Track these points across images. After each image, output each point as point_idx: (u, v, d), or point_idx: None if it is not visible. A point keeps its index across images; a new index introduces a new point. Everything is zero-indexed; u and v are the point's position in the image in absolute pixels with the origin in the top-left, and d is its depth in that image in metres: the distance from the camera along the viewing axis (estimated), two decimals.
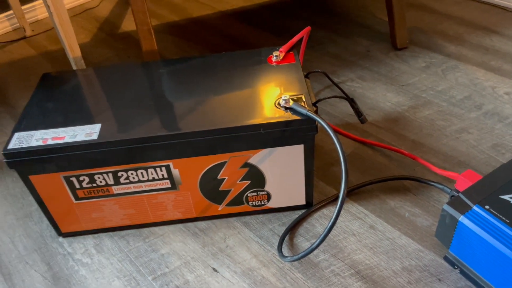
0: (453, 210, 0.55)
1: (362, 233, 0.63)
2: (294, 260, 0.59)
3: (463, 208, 0.55)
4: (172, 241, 0.65)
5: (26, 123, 0.60)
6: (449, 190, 0.64)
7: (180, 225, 0.67)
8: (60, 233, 0.67)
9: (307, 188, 0.65)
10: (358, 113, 0.70)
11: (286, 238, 0.64)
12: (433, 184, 0.67)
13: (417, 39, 1.05)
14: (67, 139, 0.57)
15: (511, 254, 0.49)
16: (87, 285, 0.61)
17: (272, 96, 0.61)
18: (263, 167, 0.62)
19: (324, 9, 1.23)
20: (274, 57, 0.68)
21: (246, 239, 0.65)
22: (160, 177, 0.61)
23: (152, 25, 1.22)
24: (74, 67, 0.89)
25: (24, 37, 1.28)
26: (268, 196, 0.65)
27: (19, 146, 0.56)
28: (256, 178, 0.63)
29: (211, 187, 0.63)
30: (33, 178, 0.59)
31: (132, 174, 0.60)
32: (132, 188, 0.62)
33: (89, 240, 0.67)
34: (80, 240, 0.67)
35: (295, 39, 0.71)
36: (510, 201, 0.54)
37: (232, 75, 0.66)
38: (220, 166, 0.61)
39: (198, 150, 0.59)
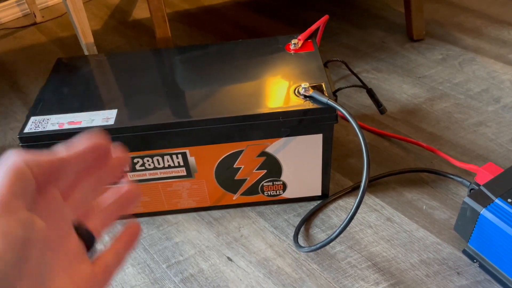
0: (474, 203, 0.54)
1: (379, 225, 0.63)
2: (311, 251, 0.58)
3: (484, 201, 0.54)
4: (186, 229, 0.65)
5: (42, 108, 0.59)
6: (468, 183, 0.63)
7: (194, 214, 0.67)
8: None
9: (323, 179, 0.64)
10: (378, 103, 0.68)
11: (302, 228, 0.64)
12: (452, 177, 0.66)
13: (434, 31, 1.03)
14: (84, 124, 0.56)
15: None
16: None
17: (291, 84, 0.60)
18: (280, 157, 0.61)
19: None
20: (292, 45, 0.67)
21: (261, 229, 0.64)
22: (176, 164, 0.60)
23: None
24: (87, 53, 0.88)
25: (34, 23, 1.27)
26: (284, 186, 0.65)
27: (35, 130, 0.56)
28: (272, 167, 0.62)
29: (226, 176, 0.62)
30: None
31: (148, 161, 0.59)
32: (147, 175, 0.61)
33: None
34: None
35: (313, 27, 0.70)
36: None
37: (249, 63, 0.65)
38: (237, 154, 0.60)
39: (215, 138, 0.58)
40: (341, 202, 0.67)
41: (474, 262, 0.57)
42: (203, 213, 0.67)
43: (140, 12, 1.27)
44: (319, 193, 0.66)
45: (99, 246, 0.25)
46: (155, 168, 0.60)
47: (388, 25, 1.08)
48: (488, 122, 0.77)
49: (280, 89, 0.59)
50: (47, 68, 0.69)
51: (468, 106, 0.81)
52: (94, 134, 0.24)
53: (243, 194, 0.65)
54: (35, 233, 0.20)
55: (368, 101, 0.80)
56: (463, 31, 1.02)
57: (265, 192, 0.65)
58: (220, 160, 0.60)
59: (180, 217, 0.67)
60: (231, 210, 0.67)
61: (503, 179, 0.56)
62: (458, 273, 0.56)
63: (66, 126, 0.56)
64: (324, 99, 0.55)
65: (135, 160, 0.59)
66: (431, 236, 0.60)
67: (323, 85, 0.59)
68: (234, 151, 0.59)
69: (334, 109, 0.56)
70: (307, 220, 0.65)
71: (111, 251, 0.26)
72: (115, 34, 1.18)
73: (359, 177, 0.70)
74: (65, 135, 0.55)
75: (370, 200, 0.66)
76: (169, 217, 0.67)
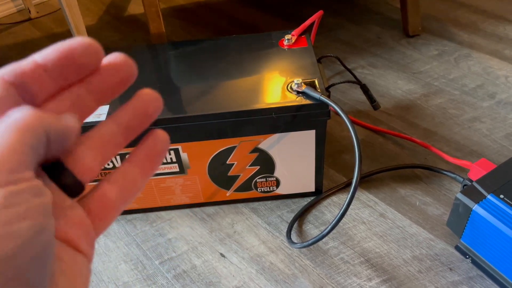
0: (466, 199, 0.54)
1: (372, 221, 0.63)
2: (303, 247, 0.58)
3: (477, 197, 0.54)
4: (180, 225, 0.65)
5: None
6: (461, 179, 0.63)
7: (187, 210, 0.67)
8: None
9: (317, 175, 0.64)
10: (371, 99, 0.68)
11: (295, 225, 0.63)
12: (445, 173, 0.66)
13: (430, 26, 1.03)
14: None
15: None
16: (93, 268, 0.60)
17: (284, 80, 0.60)
18: (273, 153, 0.61)
19: None
20: (286, 41, 0.66)
21: (254, 225, 0.64)
22: (168, 160, 0.60)
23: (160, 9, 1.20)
24: None
25: (29, 19, 1.27)
26: (277, 182, 0.65)
27: None
28: (265, 163, 0.62)
29: (219, 172, 0.62)
30: None
31: None
32: None
33: None
34: None
35: (307, 22, 0.69)
36: None
37: (243, 58, 0.65)
38: (230, 150, 0.60)
39: (208, 134, 0.58)
40: (334, 198, 0.67)
41: (467, 258, 0.57)
42: (196, 209, 0.67)
43: (135, 7, 1.27)
44: (313, 189, 0.66)
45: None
46: None
47: (384, 21, 1.07)
48: (482, 118, 0.77)
49: (273, 85, 0.59)
50: None
51: (463, 102, 0.81)
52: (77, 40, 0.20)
53: (236, 190, 0.65)
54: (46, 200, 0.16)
55: (363, 97, 0.80)
56: (459, 27, 1.02)
57: (258, 189, 0.65)
58: (213, 156, 0.60)
59: (173, 213, 0.67)
60: (224, 207, 0.67)
61: (496, 175, 0.56)
62: (450, 269, 0.56)
63: None
64: (316, 95, 0.55)
65: (127, 156, 0.59)
66: (424, 232, 0.60)
67: (316, 81, 0.59)
68: (227, 147, 0.59)
69: (326, 105, 0.56)
70: (300, 216, 0.65)
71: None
72: (110, 29, 1.18)
73: (352, 173, 0.70)
74: None
75: (364, 196, 0.66)
76: (163, 213, 0.67)
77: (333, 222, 0.52)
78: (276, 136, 0.59)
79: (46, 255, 0.16)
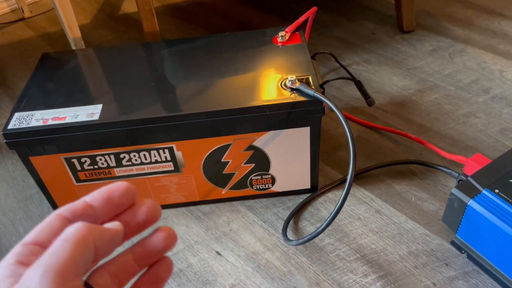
0: (461, 194, 0.54)
1: (368, 217, 0.63)
2: (299, 244, 0.58)
3: (472, 192, 0.54)
4: (175, 224, 0.64)
5: (26, 103, 0.59)
6: (456, 175, 0.63)
7: (183, 209, 0.67)
8: None
9: (312, 172, 0.64)
10: (366, 95, 0.68)
11: (291, 222, 0.63)
12: (440, 168, 0.66)
13: (424, 22, 1.03)
14: (68, 120, 0.55)
15: None
16: None
17: (278, 77, 0.59)
18: (268, 150, 0.60)
19: None
20: (280, 38, 0.66)
21: (250, 223, 0.64)
22: (163, 159, 0.60)
23: (154, 7, 1.20)
24: (74, 48, 0.87)
25: (23, 18, 1.26)
26: (273, 180, 0.64)
27: (19, 126, 0.55)
28: (260, 161, 0.62)
29: (214, 170, 0.62)
30: (34, 160, 0.58)
31: (134, 156, 0.59)
32: (134, 170, 0.61)
33: None
34: None
35: (301, 19, 0.69)
36: None
37: (236, 56, 0.65)
38: (224, 148, 0.59)
39: (202, 132, 0.57)
40: (330, 195, 0.67)
41: (462, 253, 0.57)
42: (192, 207, 0.67)
43: (130, 6, 1.26)
44: (308, 186, 0.66)
45: None
46: (142, 163, 0.60)
47: (379, 17, 1.07)
48: (477, 113, 0.77)
49: (267, 82, 0.59)
50: (35, 63, 0.69)
51: (458, 97, 0.81)
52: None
53: (232, 188, 0.65)
54: None
55: (358, 93, 0.79)
56: (453, 22, 1.02)
57: (254, 186, 0.65)
58: (208, 155, 0.60)
59: (169, 212, 0.66)
60: (220, 205, 0.67)
61: (491, 170, 0.56)
62: (446, 264, 0.56)
63: (50, 122, 0.55)
64: (310, 92, 0.55)
65: (122, 156, 0.59)
66: (420, 227, 0.60)
67: (310, 78, 0.58)
68: (222, 145, 0.59)
69: (320, 102, 0.55)
70: (296, 213, 0.65)
71: None
72: (104, 28, 1.17)
73: (347, 170, 0.69)
74: (49, 130, 0.55)
75: (359, 192, 0.66)
76: None
77: (328, 219, 0.52)
78: (270, 133, 0.59)
79: None
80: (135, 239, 0.27)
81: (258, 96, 0.57)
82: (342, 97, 0.84)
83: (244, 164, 0.62)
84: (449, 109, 0.78)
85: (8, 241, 0.65)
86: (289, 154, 0.61)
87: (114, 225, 0.24)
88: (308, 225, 0.63)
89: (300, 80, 0.57)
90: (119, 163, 0.59)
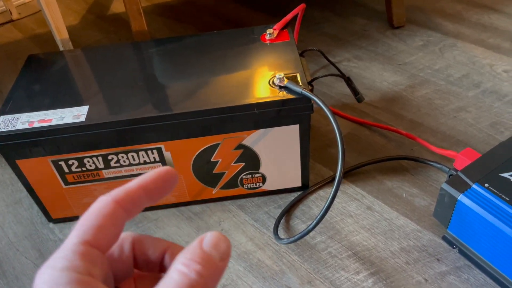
0: (452, 189, 0.54)
1: (360, 214, 0.62)
2: (290, 242, 0.57)
3: (462, 187, 0.53)
4: (166, 225, 0.64)
5: (12, 106, 0.58)
6: (447, 169, 0.63)
7: (173, 209, 0.66)
8: (51, 219, 0.66)
9: (303, 170, 0.64)
10: (355, 91, 0.68)
11: (282, 220, 0.63)
12: (431, 163, 0.66)
13: (415, 17, 1.02)
14: (54, 122, 0.55)
15: (509, 232, 0.48)
16: None
17: (266, 75, 0.59)
18: (258, 149, 0.60)
19: None
20: (268, 35, 0.66)
21: (241, 222, 0.63)
22: (152, 160, 0.59)
23: (142, 6, 1.19)
24: (62, 49, 0.86)
25: (11, 21, 1.25)
26: (263, 179, 0.64)
27: (4, 130, 0.54)
28: (250, 160, 0.61)
29: (204, 170, 0.62)
30: (21, 163, 0.57)
31: (122, 157, 0.58)
32: (123, 172, 0.60)
33: None
34: (71, 225, 0.65)
35: (289, 16, 0.68)
36: (510, 179, 0.53)
37: (224, 54, 0.64)
38: (214, 148, 0.59)
39: (190, 131, 0.57)
40: (321, 192, 0.66)
41: (454, 248, 0.57)
42: (183, 208, 0.66)
43: (119, 5, 1.25)
44: (299, 184, 0.66)
45: None
46: (130, 164, 0.59)
47: (369, 13, 1.07)
48: (468, 107, 0.77)
49: (255, 80, 0.58)
50: None
51: (448, 92, 0.81)
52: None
53: (222, 187, 0.64)
54: None
55: (349, 90, 0.79)
56: (444, 17, 1.01)
57: (244, 185, 0.65)
58: (197, 154, 0.59)
59: (159, 213, 0.66)
60: (211, 204, 0.66)
61: (481, 164, 0.56)
62: (438, 260, 0.56)
63: (36, 125, 0.55)
64: (298, 89, 0.55)
65: (109, 157, 0.58)
66: (411, 223, 0.60)
67: (298, 75, 0.58)
68: (211, 144, 0.59)
69: (309, 99, 0.55)
70: (287, 212, 0.64)
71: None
72: (94, 28, 1.16)
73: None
74: (35, 133, 0.54)
75: (351, 189, 0.66)
76: (149, 213, 0.66)
77: (318, 217, 0.52)
78: (260, 132, 0.58)
79: None
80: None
81: (246, 95, 0.56)
82: (333, 93, 0.84)
83: (234, 163, 0.61)
84: (440, 104, 0.78)
85: None
86: (279, 152, 0.61)
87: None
88: (299, 223, 0.62)
89: (288, 78, 0.57)
90: (107, 165, 0.59)
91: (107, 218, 0.21)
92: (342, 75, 0.66)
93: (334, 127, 0.52)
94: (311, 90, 0.59)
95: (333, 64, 0.71)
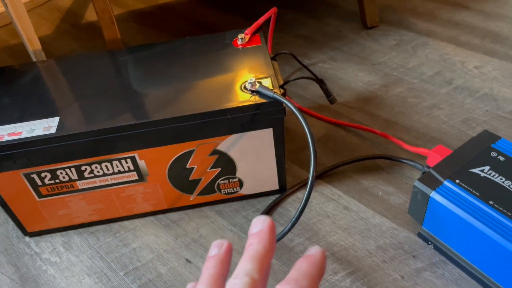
0: (424, 186, 0.54)
1: (337, 214, 0.63)
2: None
3: (434, 184, 0.54)
4: (144, 234, 0.64)
5: None
6: (421, 167, 0.64)
7: (151, 218, 0.66)
8: (26, 233, 0.65)
9: (279, 173, 0.64)
10: (327, 93, 0.68)
11: None
12: (405, 161, 0.67)
13: (388, 17, 1.04)
14: (25, 134, 0.54)
15: (481, 227, 0.49)
16: (56, 284, 0.59)
17: (238, 80, 0.59)
18: (233, 154, 0.60)
19: None
20: (240, 40, 0.66)
21: (219, 227, 0.63)
22: (126, 169, 0.59)
23: (117, 14, 1.19)
24: (35, 60, 0.85)
25: None
26: (240, 183, 0.64)
27: None
28: (226, 165, 0.61)
29: (180, 177, 0.61)
30: None
31: (96, 167, 0.58)
32: (97, 182, 0.59)
33: (57, 238, 0.65)
34: (47, 239, 0.65)
35: (260, 20, 0.69)
36: (480, 174, 0.54)
37: (196, 61, 0.64)
38: (188, 154, 0.59)
39: (164, 139, 0.57)
40: (299, 194, 0.67)
41: (429, 244, 0.58)
42: (160, 216, 0.66)
43: (93, 14, 1.24)
44: (277, 187, 0.66)
45: None
46: (104, 174, 0.59)
47: (344, 14, 1.08)
48: (440, 104, 0.78)
49: (227, 86, 0.59)
50: None
51: (421, 90, 0.82)
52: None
53: (199, 194, 0.64)
54: None
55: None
56: (416, 15, 1.03)
57: (222, 190, 0.65)
58: (172, 162, 0.59)
59: (137, 222, 0.65)
60: (189, 211, 0.66)
61: (452, 160, 0.57)
62: (413, 256, 0.57)
63: (6, 138, 0.54)
64: (270, 93, 0.55)
65: (83, 168, 0.58)
66: (387, 221, 0.61)
67: (270, 79, 0.58)
68: (185, 151, 0.58)
69: (281, 103, 0.55)
70: (266, 215, 0.64)
71: None
72: (68, 38, 1.15)
73: (317, 168, 0.70)
74: (5, 147, 0.53)
75: (328, 190, 0.66)
76: (126, 222, 0.65)
77: (292, 221, 0.52)
78: (234, 136, 0.58)
79: None
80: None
81: (218, 100, 0.56)
82: (309, 95, 0.85)
83: (210, 169, 0.61)
84: (413, 102, 0.79)
85: None
86: (254, 156, 0.61)
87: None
88: (278, 226, 0.62)
89: (260, 82, 0.57)
90: (81, 176, 0.58)
91: None
92: (314, 78, 0.67)
93: (306, 131, 0.52)
94: (284, 93, 0.59)
95: (306, 67, 0.71)
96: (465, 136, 0.72)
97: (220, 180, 0.63)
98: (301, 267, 0.30)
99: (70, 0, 1.34)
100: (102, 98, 0.59)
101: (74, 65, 0.67)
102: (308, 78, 0.65)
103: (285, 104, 0.54)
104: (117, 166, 0.58)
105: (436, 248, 0.57)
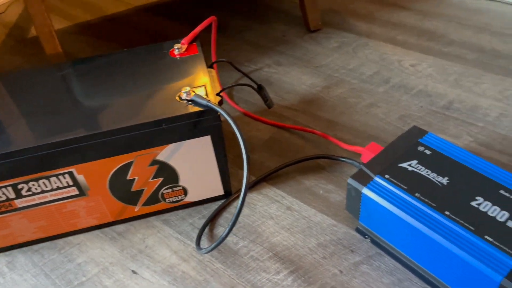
0: (356, 183, 0.57)
1: (280, 215, 0.65)
2: (208, 252, 0.59)
3: (365, 180, 0.57)
4: (89, 248, 0.63)
5: None
6: (357, 164, 0.66)
7: (97, 231, 0.66)
8: None
9: (223, 178, 0.65)
10: (264, 98, 0.70)
11: (206, 230, 0.64)
12: (343, 160, 0.69)
13: (331, 20, 1.07)
14: None
15: (409, 219, 0.52)
16: None
17: (175, 89, 0.60)
18: (174, 163, 0.61)
19: None
20: (176, 50, 0.67)
21: (165, 236, 0.64)
22: (65, 184, 0.59)
23: (64, 27, 1.17)
24: None
25: None
26: (185, 191, 0.65)
27: None
28: (168, 174, 0.62)
29: (122, 189, 0.62)
30: None
31: (33, 185, 0.57)
32: (37, 199, 0.59)
33: (1, 258, 0.63)
34: None
35: (197, 29, 0.70)
36: (407, 168, 0.57)
37: (133, 72, 0.65)
38: (127, 166, 0.59)
39: (101, 152, 0.57)
40: None
41: (366, 238, 0.60)
42: (106, 229, 0.66)
43: None
44: (222, 192, 0.67)
45: None
46: (43, 191, 0.58)
47: (289, 18, 1.11)
48: (379, 102, 0.82)
49: (163, 96, 0.59)
50: None
51: (361, 89, 0.85)
52: None
53: (144, 204, 0.65)
54: None
55: (270, 96, 0.82)
56: (357, 18, 1.07)
57: (166, 200, 0.65)
58: (112, 174, 0.60)
59: (82, 236, 0.65)
60: (135, 222, 0.66)
61: (383, 156, 0.60)
62: (352, 251, 0.59)
63: None
64: (204, 102, 0.56)
65: (20, 186, 0.57)
66: (328, 218, 0.63)
67: (205, 88, 0.59)
68: (124, 163, 0.59)
69: (216, 111, 0.57)
70: (211, 221, 0.65)
71: None
72: (14, 53, 1.13)
73: (260, 171, 0.72)
74: None
75: (271, 192, 0.68)
76: (71, 238, 0.65)
77: (230, 224, 0.54)
78: (172, 146, 0.59)
79: None
80: None
81: (154, 111, 0.57)
82: (254, 100, 0.86)
83: (152, 179, 0.62)
84: (354, 102, 0.82)
85: None
86: (195, 164, 0.62)
87: None
88: (223, 231, 0.64)
89: (195, 91, 0.58)
90: (18, 194, 0.58)
91: None
92: (251, 84, 0.69)
93: (238, 137, 0.54)
94: (220, 101, 0.60)
95: (244, 73, 0.73)
96: (400, 132, 0.75)
97: (164, 190, 0.64)
98: None
99: (15, 15, 1.31)
100: (37, 115, 0.59)
101: (13, 82, 0.66)
102: (243, 84, 0.66)
103: (219, 111, 0.55)
104: (56, 182, 0.58)
105: (373, 241, 0.60)
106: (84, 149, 0.56)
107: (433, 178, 0.56)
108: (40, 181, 0.57)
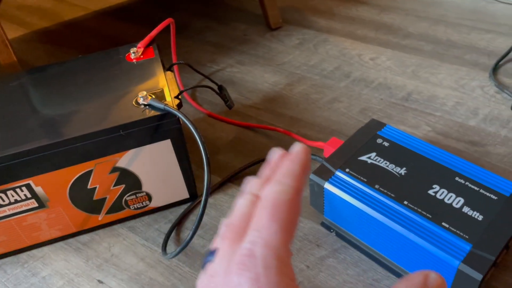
0: (318, 178, 0.57)
1: None
2: (173, 256, 0.58)
3: (327, 175, 0.58)
4: (54, 261, 0.62)
5: None
6: (321, 159, 0.67)
7: (61, 243, 0.64)
8: None
9: (187, 181, 0.65)
10: (224, 99, 0.70)
11: (173, 234, 0.64)
12: None
13: (291, 17, 1.08)
14: None
15: (369, 210, 0.53)
16: None
17: (131, 94, 0.59)
18: (135, 169, 0.60)
19: None
20: (132, 54, 0.66)
21: (132, 244, 0.63)
22: (23, 197, 0.57)
23: (21, 35, 1.14)
24: None
25: None
26: (149, 197, 0.64)
27: None
28: (130, 180, 0.61)
29: (84, 198, 0.60)
30: None
31: None
32: None
33: None
34: None
35: (153, 33, 0.69)
36: (367, 161, 0.58)
37: (89, 79, 0.63)
38: (87, 175, 0.58)
39: (58, 163, 0.56)
40: (210, 200, 0.68)
41: (331, 232, 0.61)
42: (70, 240, 0.64)
43: None
44: (187, 196, 0.67)
45: None
46: (0, 206, 0.57)
47: (250, 17, 1.11)
48: (340, 97, 0.83)
49: (120, 102, 0.59)
50: None
51: (323, 85, 0.86)
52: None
53: (108, 212, 0.64)
54: None
55: (233, 96, 0.82)
56: (317, 14, 1.08)
57: (130, 206, 0.64)
58: (71, 184, 0.58)
59: (46, 249, 0.64)
60: (100, 231, 0.65)
61: (343, 150, 0.60)
62: (318, 246, 0.60)
63: None
64: (160, 105, 0.56)
65: None
66: None
67: (163, 91, 0.59)
68: (83, 172, 0.58)
69: (173, 114, 0.56)
70: (178, 225, 0.65)
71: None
72: None
73: (226, 172, 0.71)
74: None
75: (237, 192, 0.68)
76: (34, 251, 0.63)
77: (193, 229, 0.53)
78: (131, 152, 0.58)
79: None
80: None
81: (111, 118, 0.56)
82: (218, 101, 0.86)
83: (114, 186, 0.61)
84: (316, 98, 0.83)
85: None
86: (157, 169, 0.62)
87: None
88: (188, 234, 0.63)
89: (152, 95, 0.58)
90: None
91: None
92: (210, 86, 0.69)
93: (197, 139, 0.53)
94: (179, 104, 0.60)
95: (203, 74, 0.73)
96: (362, 125, 0.76)
97: (127, 196, 0.63)
98: (282, 166, 0.29)
99: None
100: None
101: None
102: (203, 86, 0.66)
103: (176, 115, 0.55)
104: (13, 196, 0.56)
105: (338, 235, 0.61)
106: (40, 160, 0.54)
107: (392, 169, 0.57)
108: None
